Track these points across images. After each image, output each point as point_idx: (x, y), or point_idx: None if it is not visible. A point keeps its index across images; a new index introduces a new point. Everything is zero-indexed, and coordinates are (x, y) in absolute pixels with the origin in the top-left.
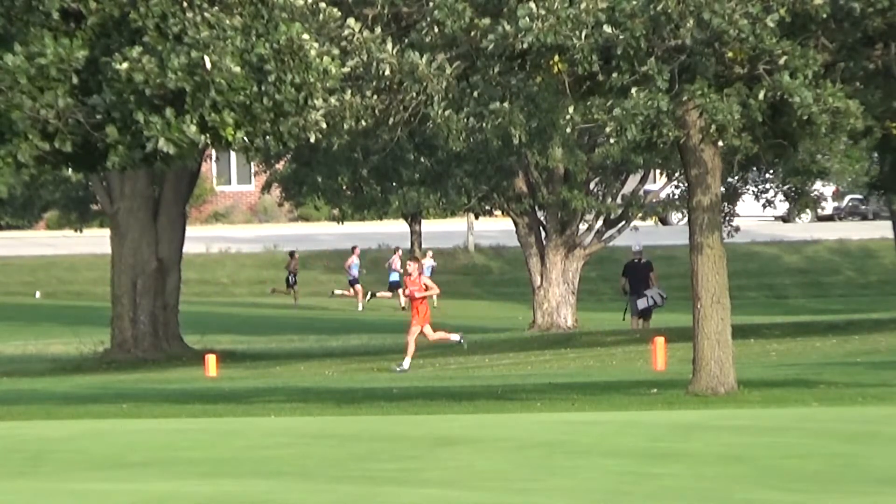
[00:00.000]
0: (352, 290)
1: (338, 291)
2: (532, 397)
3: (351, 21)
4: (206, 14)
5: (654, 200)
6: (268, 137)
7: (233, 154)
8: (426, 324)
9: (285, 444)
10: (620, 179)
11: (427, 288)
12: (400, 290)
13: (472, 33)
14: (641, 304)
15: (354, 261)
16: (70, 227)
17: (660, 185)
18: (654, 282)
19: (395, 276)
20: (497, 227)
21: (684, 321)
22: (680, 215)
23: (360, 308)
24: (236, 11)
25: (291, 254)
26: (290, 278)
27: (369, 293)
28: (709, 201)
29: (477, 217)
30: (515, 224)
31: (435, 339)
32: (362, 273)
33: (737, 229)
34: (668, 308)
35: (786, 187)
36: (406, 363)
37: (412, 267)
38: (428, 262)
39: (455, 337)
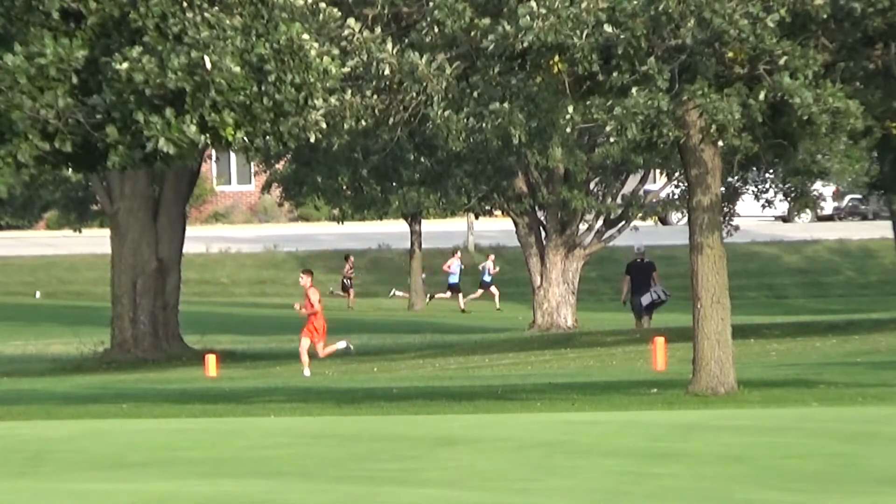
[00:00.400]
0: (449, 293)
1: (439, 295)
2: (532, 397)
3: (351, 21)
4: (206, 14)
5: (654, 200)
6: (268, 137)
7: (233, 154)
8: (321, 340)
9: (285, 444)
10: (620, 179)
11: (311, 304)
12: (459, 293)
13: (472, 33)
14: (645, 299)
15: (454, 265)
16: (69, 227)
17: (660, 185)
18: (657, 281)
19: (454, 279)
20: (497, 227)
21: (684, 321)
22: (680, 215)
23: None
24: (236, 11)
25: (346, 257)
26: (345, 281)
27: (428, 295)
28: (709, 201)
29: (477, 217)
30: (515, 224)
31: (326, 354)
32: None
33: (736, 228)
34: (668, 308)
35: (786, 187)
36: (306, 371)
37: (304, 280)
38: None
39: (342, 344)
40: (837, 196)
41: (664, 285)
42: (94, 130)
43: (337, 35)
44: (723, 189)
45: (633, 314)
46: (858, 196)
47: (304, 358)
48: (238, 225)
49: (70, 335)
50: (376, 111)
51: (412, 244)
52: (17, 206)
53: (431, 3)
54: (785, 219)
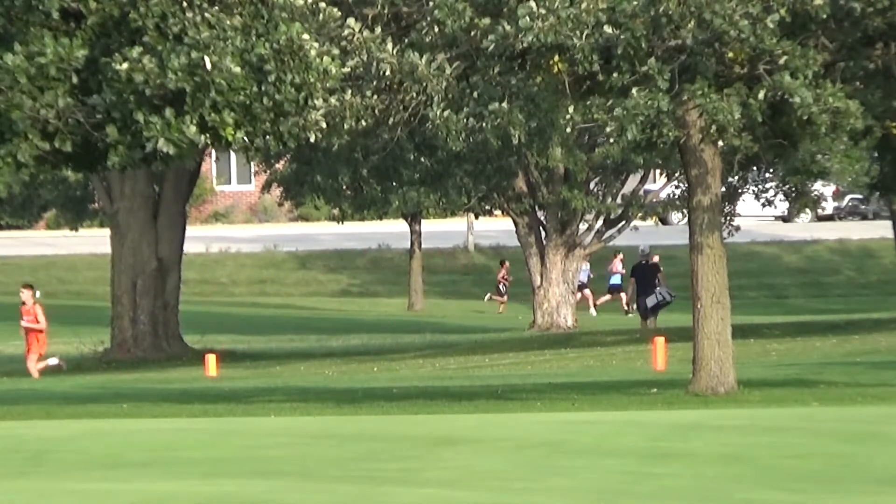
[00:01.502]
0: (612, 295)
1: (602, 299)
2: (532, 397)
3: (351, 21)
4: (206, 14)
5: (654, 200)
6: (268, 137)
7: (233, 154)
8: (38, 355)
9: (285, 444)
10: (620, 179)
11: (37, 320)
12: (622, 294)
13: (472, 33)
14: (650, 300)
15: (618, 266)
16: (66, 226)
17: (660, 185)
18: (663, 282)
19: (616, 279)
20: (497, 227)
21: (684, 321)
22: (680, 215)
23: (594, 314)
24: (236, 11)
25: (502, 262)
26: (500, 286)
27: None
28: (709, 201)
29: (477, 217)
30: (515, 224)
31: (39, 370)
32: (591, 278)
33: (737, 228)
34: (669, 308)
35: (786, 187)
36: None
37: (25, 295)
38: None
39: (53, 361)
40: (837, 196)
41: (669, 286)
42: (94, 130)
43: (337, 35)
44: (723, 189)
45: (640, 315)
46: (858, 196)
47: (36, 369)
48: (238, 225)
49: (70, 335)
50: (376, 111)
51: (412, 244)
52: (16, 205)
53: (431, 3)
54: (785, 219)
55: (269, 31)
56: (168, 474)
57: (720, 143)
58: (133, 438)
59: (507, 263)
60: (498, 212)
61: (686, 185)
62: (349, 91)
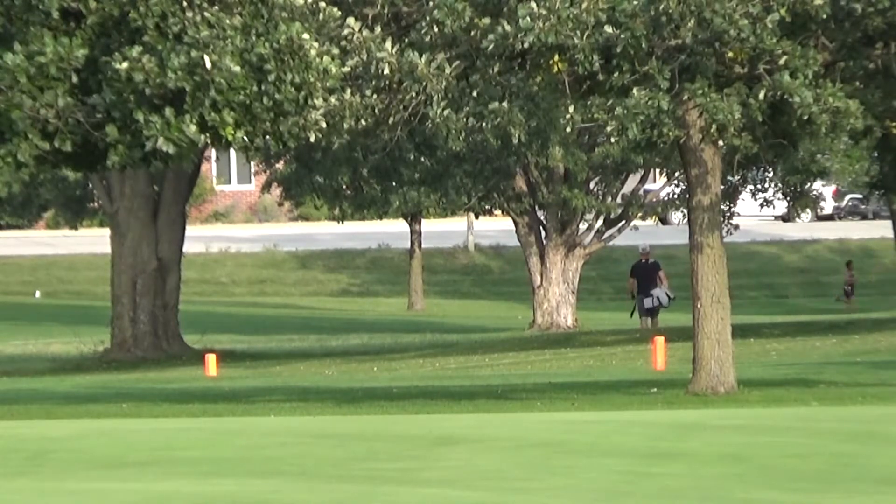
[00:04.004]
0: None
1: None
2: (532, 397)
3: (351, 20)
4: (206, 14)
5: (654, 200)
6: (268, 137)
7: (233, 154)
8: None
9: (285, 444)
10: (620, 179)
11: None
12: None
13: (472, 33)
14: (648, 303)
15: None
16: (66, 226)
17: (660, 185)
18: (663, 281)
19: None
20: (497, 227)
21: (684, 321)
22: (680, 215)
23: None
24: (236, 11)
25: (848, 263)
26: (847, 288)
27: None
28: (709, 201)
29: (477, 217)
30: (515, 224)
31: None
32: None
33: (736, 227)
34: (668, 308)
35: (785, 187)
36: None
37: None
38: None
39: None
40: (837, 196)
41: (670, 286)
42: (94, 130)
43: (337, 34)
44: (722, 187)
45: (639, 315)
46: (858, 196)
47: None
48: (238, 224)
49: (70, 335)
50: (376, 111)
51: (412, 244)
52: (16, 205)
53: (431, 3)
54: (785, 218)
55: (269, 31)
56: (168, 474)
57: (720, 142)
58: (133, 438)
59: (852, 263)
60: (498, 212)
61: (686, 184)
62: (349, 91)
